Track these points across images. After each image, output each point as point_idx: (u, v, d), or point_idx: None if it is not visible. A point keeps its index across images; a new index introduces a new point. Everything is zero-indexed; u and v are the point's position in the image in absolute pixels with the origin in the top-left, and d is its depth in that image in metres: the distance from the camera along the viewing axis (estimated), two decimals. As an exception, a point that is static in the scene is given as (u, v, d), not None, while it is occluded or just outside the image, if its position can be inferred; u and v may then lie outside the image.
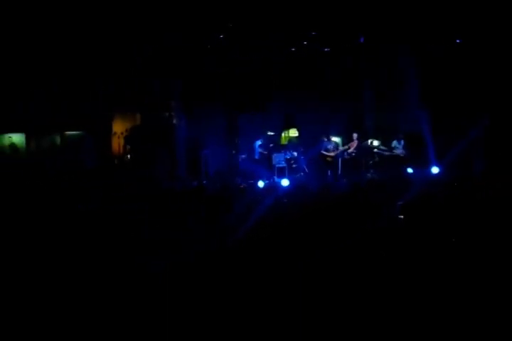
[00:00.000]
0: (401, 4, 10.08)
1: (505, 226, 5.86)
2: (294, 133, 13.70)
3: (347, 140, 12.85)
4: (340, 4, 10.01)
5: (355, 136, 12.30)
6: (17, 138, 12.20)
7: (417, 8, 10.12)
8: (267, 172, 11.62)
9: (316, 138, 12.52)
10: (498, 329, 3.60)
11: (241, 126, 12.75)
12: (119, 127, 13.01)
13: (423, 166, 11.19)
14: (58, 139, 12.55)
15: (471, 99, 11.55)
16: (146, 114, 13.18)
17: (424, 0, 10.03)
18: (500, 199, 7.35)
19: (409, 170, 11.36)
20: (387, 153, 12.32)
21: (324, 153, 12.02)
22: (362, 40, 11.46)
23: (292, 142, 13.34)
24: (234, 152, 12.56)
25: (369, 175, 12.03)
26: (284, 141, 13.56)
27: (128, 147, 12.75)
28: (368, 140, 12.59)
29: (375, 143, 12.79)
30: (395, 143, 12.44)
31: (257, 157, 12.40)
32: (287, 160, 12.16)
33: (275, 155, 12.14)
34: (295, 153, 12.39)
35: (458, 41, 11.48)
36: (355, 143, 12.32)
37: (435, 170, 10.82)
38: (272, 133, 13.05)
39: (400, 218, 6.85)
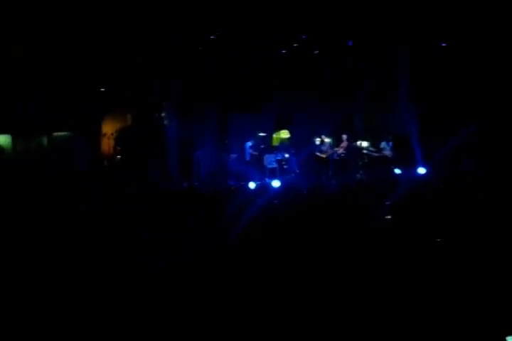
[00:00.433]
0: (392, 6, 10.21)
1: (493, 225, 5.99)
2: (285, 134, 13.79)
3: (337, 141, 12.99)
4: (331, 5, 10.12)
5: (344, 137, 12.46)
6: (3, 139, 12.04)
7: (407, 9, 10.25)
8: (258, 174, 11.71)
9: (308, 139, 12.64)
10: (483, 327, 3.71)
11: (232, 127, 12.79)
12: (109, 128, 12.97)
13: (410, 167, 11.34)
14: (46, 140, 12.43)
15: (459, 100, 11.70)
16: (136, 115, 13.17)
17: (415, 2, 10.17)
18: (487, 198, 7.47)
19: (397, 171, 11.54)
20: (375, 154, 12.48)
21: (319, 154, 12.15)
22: (350, 43, 11.59)
23: (283, 143, 13.44)
24: (224, 153, 12.60)
25: (358, 175, 12.17)
26: (275, 142, 13.65)
27: (118, 148, 12.74)
28: (357, 141, 12.76)
29: (364, 144, 12.97)
30: (383, 144, 12.59)
31: (247, 158, 12.47)
32: (278, 161, 12.23)
33: (266, 156, 12.20)
34: (286, 154, 12.48)
35: (444, 45, 11.63)
36: (344, 144, 12.48)
37: (422, 170, 10.97)
38: (263, 134, 13.12)
39: (388, 218, 6.98)
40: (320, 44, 11.99)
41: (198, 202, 8.10)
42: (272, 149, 12.73)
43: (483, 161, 11.16)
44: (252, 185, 10.49)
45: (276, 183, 10.22)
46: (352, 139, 12.62)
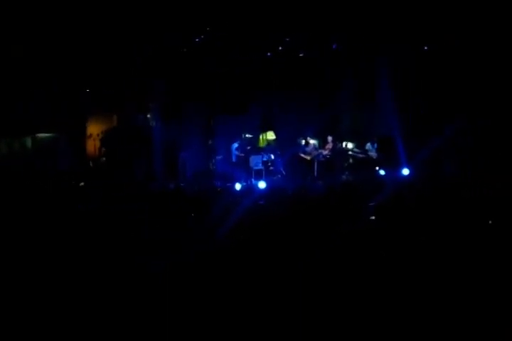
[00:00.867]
0: (377, 8, 10.33)
1: (474, 225, 6.10)
2: (271, 135, 13.85)
3: (323, 142, 13.09)
4: (315, 7, 10.21)
5: (329, 138, 12.57)
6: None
7: (392, 10, 10.38)
8: (244, 175, 11.74)
9: (294, 141, 12.71)
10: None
11: (218, 128, 12.81)
12: (95, 129, 12.90)
13: (395, 168, 11.48)
14: (30, 142, 12.27)
15: (443, 102, 11.87)
16: (123, 116, 13.11)
17: (400, 4, 10.30)
18: (469, 199, 7.59)
19: (382, 172, 11.67)
20: (360, 156, 12.60)
21: (303, 156, 12.23)
22: (334, 46, 11.69)
23: (270, 144, 13.50)
24: (210, 154, 12.61)
25: (344, 176, 12.27)
26: (261, 144, 13.70)
27: (103, 149, 12.67)
28: (342, 142, 12.87)
29: (350, 145, 13.09)
30: (368, 145, 12.71)
31: (234, 159, 12.50)
32: (264, 163, 12.28)
33: (252, 157, 12.24)
34: (272, 156, 12.54)
35: (427, 48, 11.79)
36: (330, 146, 12.58)
37: (406, 171, 11.11)
38: (250, 136, 13.17)
39: (372, 219, 7.06)
40: (305, 45, 12.07)
41: (184, 203, 8.11)
42: (258, 150, 12.77)
43: (465, 161, 11.34)
44: (238, 186, 10.52)
45: (262, 184, 10.26)
46: (337, 140, 12.73)
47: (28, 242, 5.67)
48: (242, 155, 12.41)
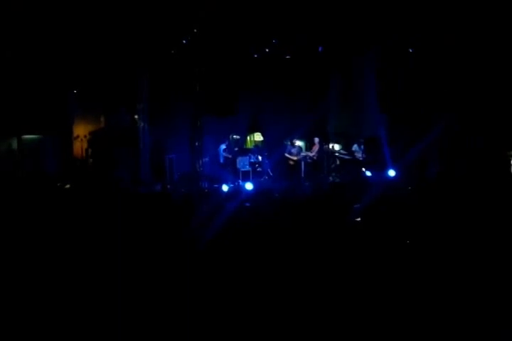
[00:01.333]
0: (362, 9, 10.41)
1: (458, 227, 6.17)
2: (258, 136, 13.88)
3: (310, 144, 13.15)
4: (304, 8, 10.25)
5: (316, 140, 12.65)
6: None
7: (376, 12, 10.47)
8: (231, 176, 11.75)
9: (281, 142, 12.76)
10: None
11: (206, 129, 12.80)
12: (81, 130, 12.84)
13: (381, 169, 11.56)
14: (16, 143, 12.16)
15: (428, 103, 11.97)
16: (110, 117, 13.06)
17: (385, 6, 10.39)
18: (452, 201, 7.67)
19: (368, 174, 11.75)
20: (347, 157, 12.68)
21: (288, 156, 12.28)
22: (320, 49, 11.75)
23: (257, 146, 13.53)
24: (197, 155, 12.59)
25: (331, 178, 12.35)
26: (249, 145, 13.72)
27: (90, 150, 12.61)
28: (329, 144, 12.94)
29: (336, 147, 13.17)
30: (355, 147, 12.81)
31: (221, 161, 12.51)
32: (252, 164, 12.33)
33: (240, 158, 12.28)
34: (259, 157, 12.58)
35: (411, 50, 11.89)
36: (316, 147, 12.65)
37: (392, 173, 11.20)
38: (237, 137, 13.19)
39: (358, 220, 7.11)
40: (293, 47, 12.11)
41: (170, 204, 8.10)
42: (245, 152, 12.80)
43: (449, 163, 11.46)
44: (225, 187, 10.52)
45: (249, 186, 10.28)
46: (324, 142, 12.80)
47: (9, 243, 5.65)
48: (230, 156, 12.43)
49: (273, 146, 12.94)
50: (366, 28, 10.90)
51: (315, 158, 12.54)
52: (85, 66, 11.41)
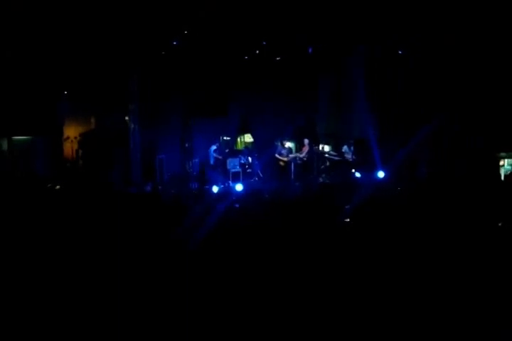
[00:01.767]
0: (351, 9, 10.47)
1: (444, 227, 6.25)
2: (249, 138, 13.93)
3: (300, 145, 13.22)
4: (293, 9, 10.30)
5: (306, 141, 12.71)
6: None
7: (366, 12, 10.52)
8: (221, 177, 11.78)
9: (271, 143, 12.81)
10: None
11: (196, 131, 12.83)
12: (72, 131, 12.80)
13: (371, 170, 11.65)
14: (6, 144, 12.09)
15: (418, 104, 12.03)
16: (101, 118, 13.03)
17: (373, 6, 10.46)
18: (441, 202, 7.75)
19: (357, 175, 11.84)
20: (337, 158, 12.76)
21: (278, 157, 12.35)
22: (310, 50, 11.82)
23: (247, 147, 13.57)
24: (187, 156, 12.61)
25: (320, 179, 12.42)
26: (239, 146, 13.76)
27: (81, 151, 12.59)
28: (318, 145, 13.02)
29: (326, 148, 13.26)
30: (345, 148, 12.89)
31: (212, 162, 12.54)
32: (242, 165, 12.36)
33: (230, 160, 12.29)
34: (250, 158, 12.62)
35: (401, 52, 11.98)
36: (306, 148, 12.72)
37: (381, 174, 11.29)
38: (228, 138, 13.21)
39: (347, 221, 7.18)
40: (283, 48, 12.16)
41: (160, 205, 8.11)
42: (235, 153, 12.83)
43: (438, 165, 11.56)
44: (215, 188, 10.55)
45: (239, 187, 10.31)
46: (314, 143, 12.88)
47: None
48: (220, 157, 12.46)
49: (263, 147, 12.97)
50: (355, 28, 10.94)
51: (305, 159, 12.60)
52: (76, 67, 11.36)
